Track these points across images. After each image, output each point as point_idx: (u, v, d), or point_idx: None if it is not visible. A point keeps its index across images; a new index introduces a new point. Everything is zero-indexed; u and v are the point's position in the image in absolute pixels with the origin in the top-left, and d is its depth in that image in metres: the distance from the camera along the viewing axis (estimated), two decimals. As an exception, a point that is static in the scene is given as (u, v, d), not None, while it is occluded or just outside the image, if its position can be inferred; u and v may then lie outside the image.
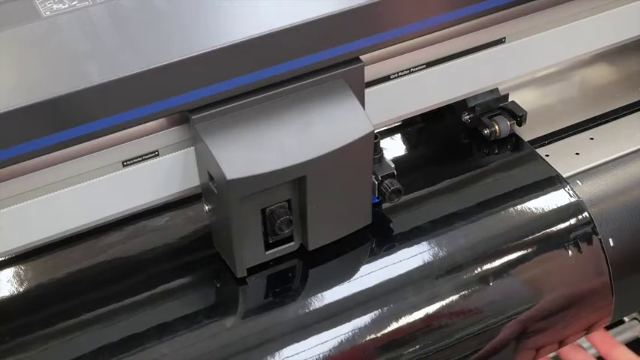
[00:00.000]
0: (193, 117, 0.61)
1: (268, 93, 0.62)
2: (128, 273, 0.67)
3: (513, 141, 0.78)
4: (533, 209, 0.72)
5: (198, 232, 0.70)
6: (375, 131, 0.65)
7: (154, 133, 0.62)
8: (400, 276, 0.67)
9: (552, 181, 0.73)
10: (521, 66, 0.76)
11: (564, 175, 0.74)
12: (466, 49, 0.71)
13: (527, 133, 0.79)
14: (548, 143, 0.79)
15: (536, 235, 0.70)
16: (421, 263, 0.67)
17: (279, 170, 0.61)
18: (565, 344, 0.74)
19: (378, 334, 0.64)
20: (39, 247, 0.65)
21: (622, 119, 0.82)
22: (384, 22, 0.64)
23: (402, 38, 0.65)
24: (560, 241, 0.70)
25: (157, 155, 0.63)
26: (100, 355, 0.62)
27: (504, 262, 0.69)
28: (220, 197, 0.62)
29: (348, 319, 0.64)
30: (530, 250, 0.69)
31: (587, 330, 0.75)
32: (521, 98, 0.79)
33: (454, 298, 0.66)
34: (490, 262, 0.68)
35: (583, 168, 0.76)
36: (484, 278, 0.68)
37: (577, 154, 0.78)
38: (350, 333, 0.63)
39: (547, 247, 0.70)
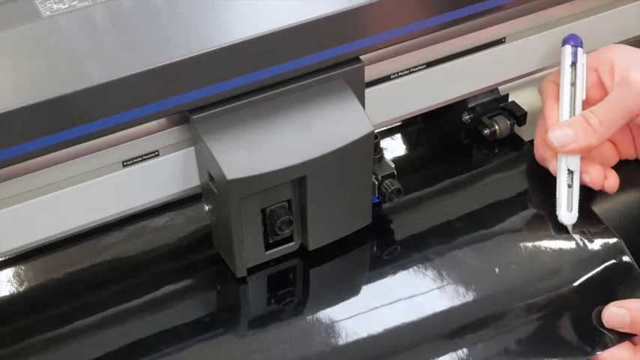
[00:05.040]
0: (193, 117, 0.61)
1: (268, 93, 0.62)
2: (128, 273, 0.67)
3: (513, 141, 0.78)
4: (533, 209, 0.71)
5: (198, 232, 0.70)
6: (375, 131, 0.65)
7: (154, 133, 0.62)
8: (401, 276, 0.67)
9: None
10: (521, 66, 0.76)
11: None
12: (466, 49, 0.71)
13: (527, 133, 0.79)
14: (548, 143, 0.79)
15: (536, 234, 0.70)
16: (422, 263, 0.67)
17: (279, 170, 0.61)
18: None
19: (379, 334, 0.64)
20: (39, 247, 0.65)
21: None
22: (384, 22, 0.64)
23: (402, 38, 0.65)
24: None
25: (157, 155, 0.63)
26: (98, 357, 0.62)
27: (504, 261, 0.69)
28: (220, 197, 0.62)
29: (349, 320, 0.64)
30: (529, 248, 0.69)
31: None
32: (521, 98, 0.79)
33: (454, 294, 0.66)
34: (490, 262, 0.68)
35: (583, 168, 0.76)
36: (485, 276, 0.67)
37: (577, 154, 0.77)
38: (350, 333, 0.63)
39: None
